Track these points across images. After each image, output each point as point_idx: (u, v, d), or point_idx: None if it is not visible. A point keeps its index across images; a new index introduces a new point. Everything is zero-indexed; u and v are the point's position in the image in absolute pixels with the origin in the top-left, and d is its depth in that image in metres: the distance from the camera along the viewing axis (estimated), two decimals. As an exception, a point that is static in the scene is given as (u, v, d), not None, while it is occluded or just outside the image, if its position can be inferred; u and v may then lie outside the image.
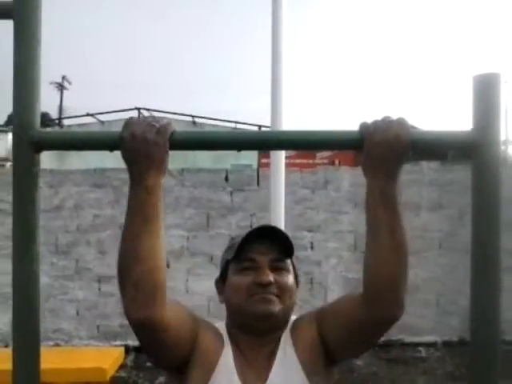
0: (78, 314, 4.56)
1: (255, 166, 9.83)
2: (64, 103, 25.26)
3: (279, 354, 1.00)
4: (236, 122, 14.96)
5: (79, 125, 15.55)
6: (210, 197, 4.69)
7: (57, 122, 19.53)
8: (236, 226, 4.64)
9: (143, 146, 0.79)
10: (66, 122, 17.58)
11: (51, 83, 26.15)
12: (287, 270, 1.03)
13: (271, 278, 0.99)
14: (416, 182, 4.71)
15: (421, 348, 4.70)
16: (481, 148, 0.82)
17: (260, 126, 14.40)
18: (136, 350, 4.36)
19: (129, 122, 0.81)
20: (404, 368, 4.41)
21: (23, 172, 0.84)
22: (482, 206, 0.83)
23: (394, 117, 0.82)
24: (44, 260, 4.54)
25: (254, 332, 1.01)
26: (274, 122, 3.14)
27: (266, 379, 0.97)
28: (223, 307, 1.07)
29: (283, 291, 1.00)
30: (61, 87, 26.49)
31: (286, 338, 1.03)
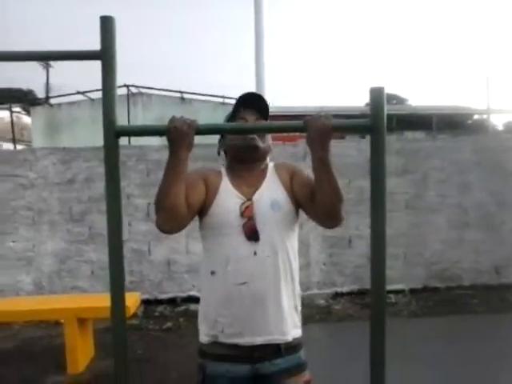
0: (92, 273, 5.12)
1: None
2: (51, 81, 25.26)
3: (268, 176, 1.54)
4: (223, 97, 15.01)
5: (69, 103, 15.54)
6: (205, 168, 5.26)
7: (44, 100, 19.56)
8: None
9: (180, 133, 1.36)
10: (53, 99, 17.44)
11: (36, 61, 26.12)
12: None
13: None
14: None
15: (391, 295, 5.27)
16: (374, 130, 1.43)
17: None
18: (144, 302, 5.02)
19: (172, 120, 1.39)
20: (375, 311, 5.11)
21: (110, 150, 1.44)
22: (374, 166, 1.43)
23: (323, 114, 1.43)
24: (60, 227, 5.11)
25: (246, 159, 1.54)
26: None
27: (256, 189, 1.50)
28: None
29: (262, 136, 1.56)
30: (46, 65, 26.41)
31: (271, 170, 1.57)
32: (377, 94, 1.44)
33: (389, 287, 5.69)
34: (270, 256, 1.46)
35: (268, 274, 1.45)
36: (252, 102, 1.58)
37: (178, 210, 1.42)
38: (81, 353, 3.40)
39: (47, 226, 5.09)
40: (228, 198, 1.50)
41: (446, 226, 5.52)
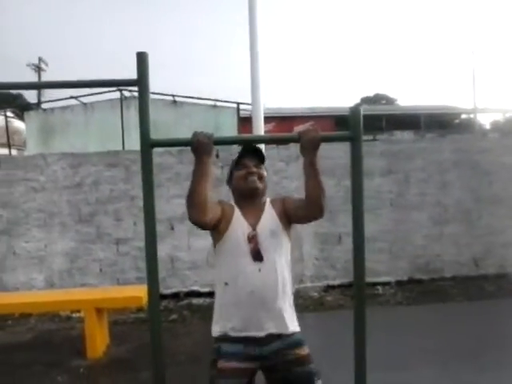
0: (100, 270, 5.46)
1: (237, 142, 10.60)
2: (43, 86, 25.13)
3: (265, 210, 1.94)
4: (216, 100, 15.11)
5: (62, 107, 15.60)
6: (204, 171, 5.62)
7: (37, 104, 19.64)
8: (226, 195, 5.63)
9: (202, 145, 1.76)
10: (46, 104, 17.23)
11: (28, 65, 26.17)
12: (262, 169, 1.97)
13: (255, 170, 1.94)
14: (370, 153, 5.68)
15: (378, 286, 5.71)
16: (354, 139, 1.82)
17: (239, 103, 14.93)
18: (149, 297, 5.37)
19: (195, 134, 1.78)
20: (364, 301, 5.50)
21: (145, 158, 1.82)
22: (354, 170, 1.82)
23: (313, 127, 1.82)
24: (70, 228, 5.45)
25: (249, 197, 1.93)
26: (253, 98, 3.87)
27: (258, 220, 1.89)
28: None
29: (260, 177, 1.95)
30: (38, 69, 26.48)
31: (268, 205, 1.96)
32: (355, 113, 1.84)
33: (376, 279, 6.16)
34: (271, 272, 1.86)
35: (269, 285, 1.86)
36: (252, 152, 2.01)
37: (206, 205, 1.81)
38: (99, 340, 3.76)
39: (58, 227, 5.43)
40: (239, 227, 1.89)
41: (428, 222, 5.95)
